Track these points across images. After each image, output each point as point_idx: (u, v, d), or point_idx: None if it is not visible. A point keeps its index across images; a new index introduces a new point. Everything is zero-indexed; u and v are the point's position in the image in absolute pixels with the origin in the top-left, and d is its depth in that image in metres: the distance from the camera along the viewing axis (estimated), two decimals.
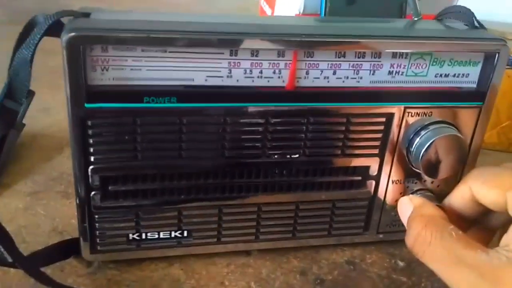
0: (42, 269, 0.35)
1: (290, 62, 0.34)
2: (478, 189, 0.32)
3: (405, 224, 0.33)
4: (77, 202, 0.35)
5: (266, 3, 0.82)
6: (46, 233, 0.41)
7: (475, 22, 0.38)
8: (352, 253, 0.41)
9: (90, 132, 0.32)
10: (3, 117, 0.35)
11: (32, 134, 0.56)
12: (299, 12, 0.63)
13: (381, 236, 0.41)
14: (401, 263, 0.40)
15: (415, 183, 0.39)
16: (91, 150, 0.33)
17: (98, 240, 0.37)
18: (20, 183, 0.48)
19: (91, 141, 0.33)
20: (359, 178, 0.38)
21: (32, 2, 1.05)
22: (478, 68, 0.37)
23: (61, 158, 0.52)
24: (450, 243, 0.28)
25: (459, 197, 0.34)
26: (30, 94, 0.35)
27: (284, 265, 0.39)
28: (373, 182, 0.39)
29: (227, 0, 1.17)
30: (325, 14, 0.49)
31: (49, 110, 0.61)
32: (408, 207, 0.33)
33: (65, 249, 0.38)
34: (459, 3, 0.66)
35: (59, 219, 0.43)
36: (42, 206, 0.45)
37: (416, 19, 0.41)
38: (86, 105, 0.31)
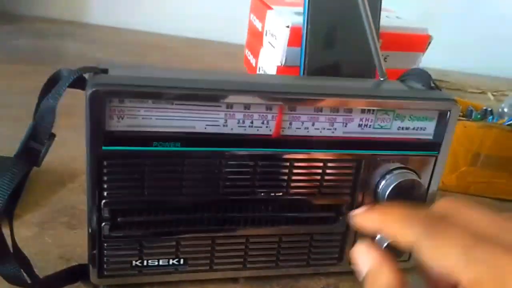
0: None
1: (276, 114, 0.40)
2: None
3: (361, 275, 0.30)
4: (89, 231, 0.40)
5: (250, 53, 0.88)
6: (55, 260, 0.45)
7: (432, 83, 0.45)
8: (328, 281, 0.46)
9: (105, 170, 0.38)
10: (28, 155, 0.40)
11: (35, 169, 0.61)
12: (281, 64, 0.70)
13: (353, 266, 0.47)
14: None
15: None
16: (105, 186, 0.38)
17: (105, 266, 0.41)
18: (28, 214, 0.52)
19: (105, 178, 0.38)
20: (333, 214, 0.44)
21: (27, 43, 1.11)
22: (434, 122, 0.43)
23: (64, 191, 0.57)
24: None
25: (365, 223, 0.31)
26: (52, 136, 0.40)
27: None
28: (345, 218, 0.44)
29: (214, 45, 1.24)
30: (304, 69, 0.56)
31: (53, 146, 0.66)
32: (365, 261, 0.30)
33: (74, 274, 0.42)
34: (422, 63, 0.74)
35: (66, 247, 0.47)
36: (50, 236, 0.49)
37: (382, 79, 0.48)
38: (104, 147, 0.37)
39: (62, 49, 1.09)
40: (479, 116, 0.70)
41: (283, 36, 0.67)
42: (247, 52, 0.91)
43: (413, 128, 0.43)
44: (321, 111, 0.40)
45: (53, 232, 0.50)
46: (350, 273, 0.47)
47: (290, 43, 0.67)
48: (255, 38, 0.83)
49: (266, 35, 0.76)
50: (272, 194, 0.42)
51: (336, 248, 0.46)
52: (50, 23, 1.27)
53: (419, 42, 0.71)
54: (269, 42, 0.74)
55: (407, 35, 0.71)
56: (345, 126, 0.41)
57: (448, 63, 1.14)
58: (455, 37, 1.09)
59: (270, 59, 0.74)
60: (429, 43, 0.72)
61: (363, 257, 0.30)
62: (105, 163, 0.37)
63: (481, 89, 1.07)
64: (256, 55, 0.82)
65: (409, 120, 0.43)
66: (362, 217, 0.31)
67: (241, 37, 0.95)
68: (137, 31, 1.25)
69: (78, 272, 0.42)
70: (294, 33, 0.66)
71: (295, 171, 0.41)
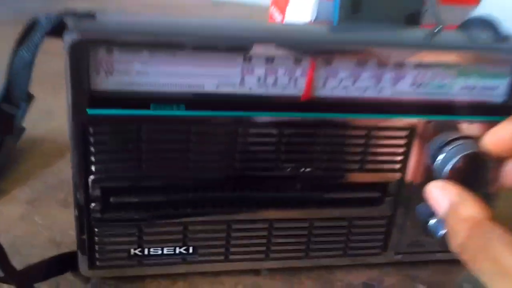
0: (37, 285, 0.33)
1: (307, 70, 0.31)
2: None
3: (440, 214, 0.29)
4: (76, 213, 0.33)
5: (276, 9, 0.80)
6: (43, 245, 0.39)
7: (502, 33, 0.36)
8: (369, 275, 0.38)
9: (92, 139, 0.30)
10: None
11: (32, 139, 0.54)
12: (311, 20, 0.61)
13: (400, 257, 0.39)
14: (422, 287, 0.38)
15: None
16: (93, 159, 0.31)
17: (97, 255, 0.34)
18: (18, 190, 0.46)
19: (92, 149, 0.31)
20: (378, 194, 0.36)
21: (34, 4, 1.04)
22: (506, 80, 0.34)
23: (62, 164, 0.50)
24: (498, 254, 0.24)
25: (503, 133, 0.30)
26: (30, 98, 0.33)
27: (296, 286, 0.37)
28: (393, 200, 0.36)
29: (236, 6, 1.15)
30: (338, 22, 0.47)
31: (51, 114, 0.59)
32: (442, 200, 0.29)
33: (62, 264, 0.36)
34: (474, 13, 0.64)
35: (57, 230, 0.41)
36: (40, 215, 0.42)
37: (438, 28, 0.39)
38: (89, 111, 0.29)
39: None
40: None
41: None
42: (273, 8, 0.82)
43: (481, 88, 0.34)
44: (364, 65, 0.32)
45: (44, 211, 0.43)
46: (397, 264, 0.39)
47: None
48: None
49: None
50: (302, 169, 0.34)
51: (380, 235, 0.38)
52: None
53: None
54: None
55: None
56: (395, 85, 0.33)
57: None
58: None
59: (299, 15, 0.66)
60: None
61: (441, 192, 0.29)
62: (91, 130, 0.30)
63: None
64: (283, 11, 0.74)
65: (475, 77, 0.34)
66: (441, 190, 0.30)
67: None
68: None
69: (67, 261, 0.36)
70: None
71: (329, 141, 0.33)
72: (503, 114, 0.35)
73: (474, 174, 0.33)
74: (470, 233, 0.26)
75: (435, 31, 0.37)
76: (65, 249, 0.38)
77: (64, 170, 0.49)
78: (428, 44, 0.33)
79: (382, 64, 0.32)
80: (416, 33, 0.38)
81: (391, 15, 0.47)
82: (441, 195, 0.29)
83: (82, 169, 0.31)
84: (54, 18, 0.30)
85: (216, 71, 0.30)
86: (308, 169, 0.34)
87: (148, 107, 0.30)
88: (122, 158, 0.31)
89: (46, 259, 0.35)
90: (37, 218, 0.42)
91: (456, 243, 0.27)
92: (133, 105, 0.30)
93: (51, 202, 0.44)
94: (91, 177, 0.31)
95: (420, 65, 0.32)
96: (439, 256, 0.39)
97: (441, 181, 0.30)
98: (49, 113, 0.59)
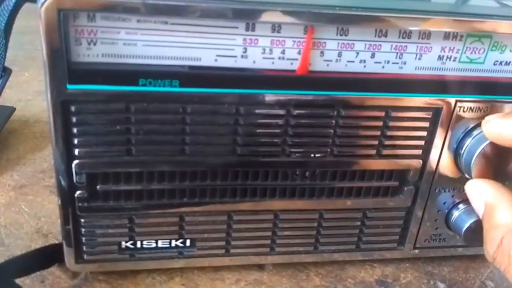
0: (19, 280, 0.30)
1: (319, 40, 0.27)
2: None
3: (478, 214, 0.27)
4: (59, 202, 0.29)
5: None
6: (29, 235, 0.36)
7: None
8: (384, 271, 0.35)
9: (73, 119, 0.27)
10: None
11: (24, 120, 0.51)
12: None
13: (417, 252, 0.35)
14: (441, 285, 0.34)
15: (463, 191, 0.32)
16: (75, 141, 0.27)
17: (84, 248, 0.31)
18: (5, 175, 0.43)
19: (75, 130, 0.27)
20: (396, 183, 0.32)
21: None
22: None
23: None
24: None
25: (506, 129, 0.27)
26: (6, 72, 0.30)
27: (303, 283, 0.34)
28: (413, 189, 0.32)
29: None
30: None
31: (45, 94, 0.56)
32: (478, 201, 0.27)
33: (48, 256, 0.33)
34: None
35: (44, 219, 0.38)
36: (27, 203, 0.39)
37: None
38: (69, 86, 0.26)
39: None
40: None
41: None
42: None
43: None
44: (385, 36, 0.28)
45: (32, 199, 0.40)
46: (414, 260, 0.35)
47: None
48: None
49: None
50: (312, 155, 0.30)
51: (397, 228, 0.34)
52: None
53: None
54: None
55: None
56: (419, 59, 0.29)
57: None
58: None
59: None
60: None
61: (478, 192, 0.27)
62: (72, 108, 0.27)
63: None
64: None
65: (511, 51, 0.30)
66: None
67: None
68: None
69: (53, 254, 0.33)
70: None
71: (344, 122, 0.29)
72: None
73: (505, 160, 0.30)
74: (503, 238, 0.24)
75: None
76: (52, 241, 0.35)
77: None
78: (458, 11, 0.29)
79: (404, 35, 0.28)
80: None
81: None
82: (477, 196, 0.27)
83: (64, 153, 0.28)
84: None
85: (215, 42, 0.27)
86: (318, 155, 0.30)
87: (136, 83, 0.26)
88: (109, 141, 0.28)
89: (30, 251, 0.33)
90: (24, 205, 0.39)
91: (490, 250, 0.24)
92: (119, 81, 0.26)
93: (40, 189, 0.41)
94: (75, 162, 0.28)
95: (447, 36, 0.28)
96: (461, 251, 0.36)
97: (477, 180, 0.28)
98: (41, 93, 0.55)
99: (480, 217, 0.26)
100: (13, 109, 0.49)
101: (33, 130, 0.50)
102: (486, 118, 0.28)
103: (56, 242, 0.34)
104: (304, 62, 0.27)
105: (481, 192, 0.26)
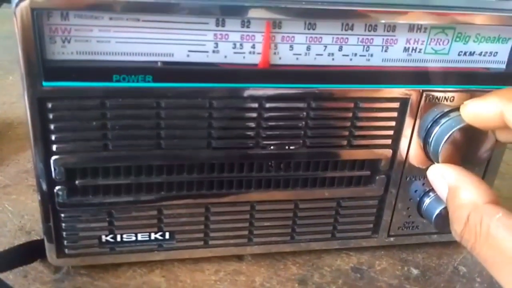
0: (3, 275, 0.31)
1: (288, 35, 0.28)
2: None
3: (441, 197, 0.27)
4: (39, 198, 0.30)
5: None
6: (12, 233, 0.36)
7: None
8: (359, 259, 0.36)
9: (50, 116, 0.27)
10: None
11: (8, 122, 0.52)
12: None
13: (392, 239, 0.36)
14: (415, 271, 0.35)
15: None
16: (53, 137, 0.28)
17: (65, 242, 0.32)
18: None
19: (52, 127, 0.28)
20: (368, 173, 0.33)
21: None
22: (509, 45, 0.32)
23: None
24: (497, 241, 0.23)
25: (483, 110, 0.27)
26: None
27: (281, 272, 0.34)
28: (384, 178, 0.33)
29: None
30: None
31: None
32: (441, 185, 0.27)
33: (30, 252, 0.33)
34: None
35: (27, 217, 0.38)
36: (11, 202, 0.40)
37: None
38: (44, 83, 0.27)
39: None
40: None
41: None
42: None
43: (480, 54, 0.32)
44: (351, 29, 0.29)
45: (15, 198, 0.41)
46: (389, 247, 0.36)
47: None
48: None
49: None
50: (285, 147, 0.31)
51: (371, 216, 0.35)
52: None
53: None
54: None
55: None
56: (386, 51, 0.30)
57: None
58: None
59: None
60: None
61: (440, 176, 0.27)
62: (48, 105, 0.27)
63: None
64: None
65: (474, 41, 0.31)
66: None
67: None
68: None
69: (36, 249, 0.33)
70: None
71: (315, 114, 0.30)
72: (505, 83, 0.32)
73: (471, 146, 0.31)
74: (468, 217, 0.24)
75: None
76: (35, 237, 0.36)
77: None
78: (421, 4, 0.30)
79: (370, 28, 0.29)
80: None
81: None
82: (440, 180, 0.27)
83: (42, 150, 0.29)
84: None
85: (187, 38, 0.27)
86: (291, 147, 0.31)
87: (111, 79, 0.27)
88: (86, 137, 0.29)
89: (13, 247, 0.33)
90: (7, 204, 0.39)
91: (457, 229, 0.25)
92: (94, 77, 0.27)
93: (23, 188, 0.42)
94: (53, 158, 0.29)
95: (412, 29, 0.29)
96: (434, 238, 0.37)
97: (439, 165, 0.28)
98: None
99: (444, 200, 0.27)
100: None
101: (17, 132, 0.50)
102: (465, 102, 0.28)
103: (38, 238, 0.35)
104: (265, 56, 0.28)
105: (443, 175, 0.27)
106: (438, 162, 0.31)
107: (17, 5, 0.25)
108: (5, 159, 0.46)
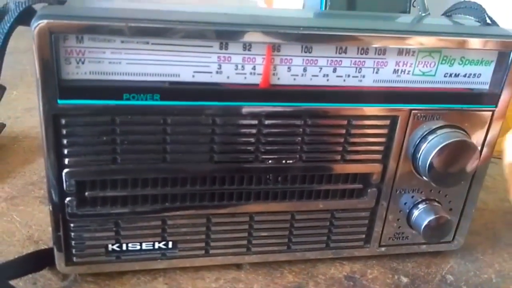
0: (13, 282, 0.32)
1: (286, 57, 0.31)
2: None
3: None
4: (50, 209, 0.32)
5: (264, 1, 0.79)
6: (21, 242, 0.38)
7: (487, 18, 0.35)
8: (352, 268, 0.38)
9: (64, 131, 0.29)
10: None
11: (13, 136, 0.53)
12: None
13: (383, 249, 0.38)
14: (404, 279, 0.37)
15: (421, 192, 0.36)
16: (65, 151, 0.30)
17: (74, 251, 0.33)
18: None
19: (65, 141, 0.30)
20: (360, 186, 0.35)
21: None
22: (491, 68, 0.34)
23: (43, 161, 0.49)
24: None
25: None
26: (1, 89, 0.32)
27: (277, 280, 0.36)
28: (376, 191, 0.35)
29: None
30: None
31: (34, 111, 0.58)
32: None
33: (39, 260, 0.35)
34: None
35: (35, 227, 0.40)
36: (18, 213, 0.41)
37: (423, 14, 0.38)
38: (59, 101, 0.28)
39: None
40: None
41: None
42: (260, 0, 0.81)
43: (464, 75, 0.34)
44: (345, 52, 0.31)
45: (23, 209, 0.42)
46: (380, 257, 0.38)
47: None
48: None
49: None
50: (283, 161, 0.33)
51: (363, 227, 0.37)
52: None
53: None
54: None
55: None
56: (377, 73, 0.32)
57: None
58: None
59: (288, 5, 0.66)
60: None
61: None
62: (62, 121, 0.29)
63: None
64: (269, 3, 0.73)
65: (459, 64, 0.33)
66: None
67: None
68: None
69: (44, 258, 0.35)
70: None
71: (310, 131, 0.32)
72: (488, 103, 0.34)
73: (457, 161, 0.33)
74: None
75: (421, 16, 0.36)
76: (43, 246, 0.37)
77: (44, 167, 0.48)
78: (410, 30, 0.32)
79: (362, 51, 0.31)
80: (400, 19, 0.37)
81: (382, 5, 0.47)
82: None
83: (55, 163, 0.30)
84: (23, 5, 0.29)
85: (192, 60, 0.30)
86: (289, 161, 0.33)
87: (121, 98, 0.29)
88: (96, 151, 0.30)
89: (23, 255, 0.35)
90: (15, 215, 0.41)
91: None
92: (105, 96, 0.29)
93: (30, 199, 0.43)
94: (65, 170, 0.31)
95: (401, 52, 0.32)
96: (423, 248, 0.39)
97: None
98: (31, 110, 0.58)
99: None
100: (3, 126, 0.52)
101: (22, 145, 0.52)
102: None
103: (47, 247, 0.36)
104: (266, 77, 0.30)
105: None
106: (426, 176, 0.33)
107: (36, 28, 0.27)
108: (12, 171, 0.47)
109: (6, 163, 0.48)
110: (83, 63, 0.28)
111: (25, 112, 0.58)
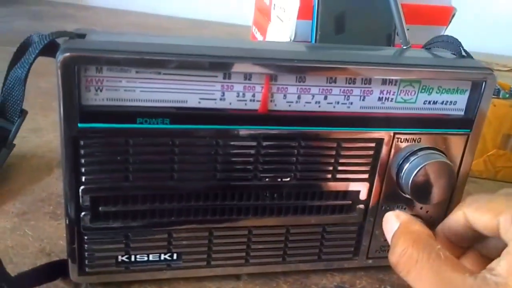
0: None
1: (282, 86, 0.34)
2: (472, 214, 0.31)
3: (389, 241, 0.32)
4: (67, 222, 0.35)
5: (257, 30, 0.82)
6: (34, 254, 0.41)
7: (462, 51, 0.39)
8: (342, 278, 0.41)
9: (82, 152, 0.32)
10: None
11: (21, 155, 0.56)
12: (290, 39, 0.64)
13: (370, 261, 0.41)
14: None
15: (405, 208, 0.39)
16: (83, 170, 0.33)
17: (86, 262, 0.36)
18: (8, 203, 0.47)
19: (83, 161, 0.33)
20: (349, 202, 0.38)
21: (22, 25, 1.06)
22: (466, 96, 0.37)
23: (51, 179, 0.52)
24: (437, 264, 0.27)
25: (453, 223, 0.33)
26: (23, 113, 0.35)
27: None
28: (363, 207, 0.39)
29: (218, 26, 1.18)
30: (315, 42, 0.50)
31: (39, 131, 0.61)
32: (394, 223, 0.32)
33: (52, 271, 0.37)
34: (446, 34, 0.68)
35: (47, 240, 0.42)
36: (30, 227, 0.44)
37: (405, 47, 0.42)
38: (79, 125, 0.32)
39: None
40: (507, 96, 0.63)
41: (293, 8, 0.61)
42: (254, 29, 0.85)
43: (442, 102, 0.37)
44: (335, 82, 0.35)
45: (34, 224, 0.45)
46: (368, 269, 0.41)
47: (300, 15, 0.61)
48: (262, 14, 0.77)
49: (274, 8, 0.70)
50: (279, 179, 0.36)
51: (352, 241, 0.40)
52: (46, 5, 1.22)
53: (442, 14, 0.65)
54: (277, 16, 0.69)
55: (428, 6, 0.64)
56: (363, 100, 0.36)
57: (471, 42, 1.07)
58: (480, 13, 1.01)
59: (279, 35, 0.69)
60: (453, 15, 0.65)
61: (393, 221, 0.32)
62: (81, 142, 0.32)
63: (509, 67, 0.99)
64: (263, 32, 0.76)
65: (437, 92, 0.37)
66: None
67: (246, 18, 0.90)
68: (138, 12, 1.20)
69: (57, 269, 0.37)
70: (305, 4, 0.59)
71: (304, 151, 0.36)
72: (463, 127, 0.38)
73: (437, 180, 0.36)
74: (413, 243, 0.29)
75: (403, 49, 0.40)
76: (55, 258, 0.40)
77: (52, 184, 0.51)
78: (392, 62, 0.36)
79: (350, 81, 0.35)
80: (385, 52, 0.41)
81: (372, 35, 0.50)
82: (393, 221, 0.32)
83: (72, 180, 0.33)
84: (46, 38, 0.32)
85: (198, 88, 0.33)
86: (284, 179, 0.36)
87: (135, 121, 0.32)
88: (111, 169, 0.33)
89: (38, 266, 0.37)
90: (27, 229, 0.44)
91: (397, 251, 0.30)
92: (121, 120, 0.32)
93: (40, 215, 0.46)
94: (82, 187, 0.33)
95: (385, 82, 0.35)
96: None
97: (395, 211, 0.33)
98: (37, 131, 0.61)
99: (390, 240, 0.32)
100: (13, 145, 0.54)
101: (30, 164, 0.55)
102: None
103: (58, 259, 0.39)
104: (264, 103, 0.34)
105: (397, 216, 0.32)
106: (408, 194, 0.37)
107: (60, 59, 0.30)
108: (22, 189, 0.50)
109: (16, 181, 0.51)
110: (101, 90, 0.32)
111: (31, 132, 0.61)
